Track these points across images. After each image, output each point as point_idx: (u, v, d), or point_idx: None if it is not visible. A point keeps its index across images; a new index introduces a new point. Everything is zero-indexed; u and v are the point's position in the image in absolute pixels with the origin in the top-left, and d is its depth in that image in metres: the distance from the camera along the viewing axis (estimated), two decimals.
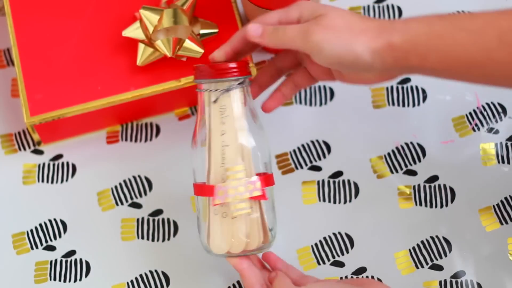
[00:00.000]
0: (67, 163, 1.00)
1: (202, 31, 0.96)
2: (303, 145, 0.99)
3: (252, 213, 0.85)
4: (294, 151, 0.99)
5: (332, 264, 0.94)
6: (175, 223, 0.97)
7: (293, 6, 0.84)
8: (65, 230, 0.97)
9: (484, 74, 0.78)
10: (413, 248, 0.94)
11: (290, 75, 0.91)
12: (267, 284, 0.85)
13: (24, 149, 1.01)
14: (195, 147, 0.87)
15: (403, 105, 1.00)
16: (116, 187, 0.98)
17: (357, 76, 0.84)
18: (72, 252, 0.96)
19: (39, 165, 1.00)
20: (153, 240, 0.96)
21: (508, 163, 0.97)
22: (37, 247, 0.97)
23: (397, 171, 0.98)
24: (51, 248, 0.97)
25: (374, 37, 0.79)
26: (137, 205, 0.98)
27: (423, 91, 1.01)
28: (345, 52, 0.79)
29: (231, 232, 0.84)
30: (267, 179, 0.85)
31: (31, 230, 0.97)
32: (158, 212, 0.97)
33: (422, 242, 0.94)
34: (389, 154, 0.98)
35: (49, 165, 1.00)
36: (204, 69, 0.85)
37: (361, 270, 0.94)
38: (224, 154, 0.84)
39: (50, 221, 0.98)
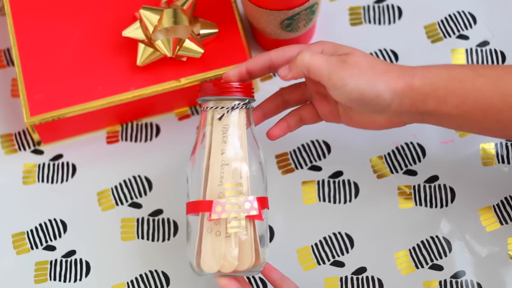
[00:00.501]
0: (67, 163, 1.00)
1: (202, 31, 0.96)
2: (303, 145, 0.99)
3: (247, 233, 0.84)
4: (294, 151, 0.99)
5: (332, 264, 0.94)
6: (175, 223, 0.97)
7: (316, 43, 0.87)
8: (65, 230, 0.97)
9: (499, 120, 0.81)
10: (413, 248, 0.94)
11: (297, 109, 0.92)
12: None
13: (24, 149, 1.01)
14: (193, 165, 0.87)
15: None
16: (116, 187, 0.98)
17: (366, 119, 0.87)
18: (72, 252, 0.96)
19: (39, 165, 1.00)
20: (153, 240, 0.96)
21: (508, 163, 0.97)
22: (37, 247, 0.97)
23: (397, 171, 0.97)
24: (51, 248, 0.97)
25: (395, 77, 0.81)
26: (137, 205, 0.98)
27: None
28: (367, 90, 0.81)
29: (223, 252, 0.84)
30: (263, 200, 0.86)
31: (31, 230, 0.97)
32: (158, 212, 0.97)
33: (422, 242, 0.94)
34: (389, 154, 0.98)
35: (49, 165, 1.00)
36: (209, 87, 0.86)
37: (361, 270, 0.94)
38: (223, 173, 0.85)
39: (50, 221, 0.97)
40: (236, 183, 0.84)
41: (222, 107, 0.85)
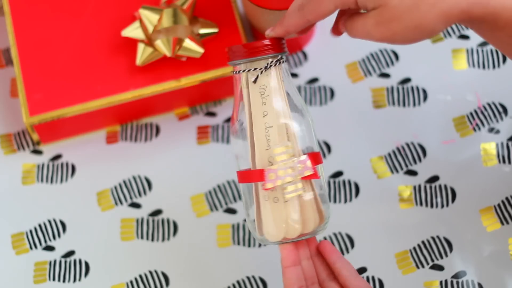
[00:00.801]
0: (67, 163, 1.00)
1: (202, 31, 0.96)
2: None
3: (305, 194, 0.80)
4: None
5: None
6: (174, 223, 0.96)
7: None
8: (64, 230, 0.97)
9: None
10: (414, 248, 0.94)
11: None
12: (310, 282, 0.82)
13: (24, 149, 1.01)
14: (235, 134, 0.83)
15: (404, 105, 1.00)
16: (115, 187, 0.98)
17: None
18: (71, 252, 0.96)
19: (38, 165, 1.00)
20: (152, 240, 0.96)
21: (509, 163, 0.97)
22: (36, 248, 0.96)
23: (397, 171, 0.97)
24: (50, 249, 0.96)
25: (449, 7, 0.74)
26: (136, 205, 0.98)
27: (424, 91, 1.00)
28: (417, 35, 0.75)
29: (284, 218, 0.80)
30: (316, 157, 0.81)
31: (30, 231, 0.97)
32: (158, 212, 0.97)
33: (422, 242, 0.94)
34: (389, 154, 0.98)
35: (48, 165, 1.00)
36: (239, 49, 0.81)
37: (361, 270, 0.93)
38: (269, 136, 0.80)
39: (49, 221, 0.97)
40: (284, 145, 0.80)
41: (255, 69, 0.81)
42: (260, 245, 0.95)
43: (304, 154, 0.81)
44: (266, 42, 0.81)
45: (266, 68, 0.81)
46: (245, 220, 0.95)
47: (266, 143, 0.80)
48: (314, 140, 0.83)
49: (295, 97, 0.83)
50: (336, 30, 0.84)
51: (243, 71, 0.81)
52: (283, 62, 0.82)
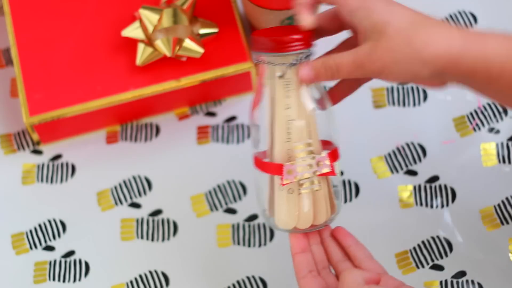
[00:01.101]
0: (67, 163, 0.99)
1: (202, 31, 0.96)
2: None
3: (320, 189, 0.80)
4: None
5: None
6: (174, 223, 0.96)
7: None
8: (64, 230, 0.97)
9: None
10: (414, 248, 0.94)
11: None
12: (320, 270, 0.81)
13: (24, 149, 1.01)
14: (254, 122, 0.82)
15: (404, 105, 1.00)
16: (115, 187, 0.98)
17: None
18: (71, 252, 0.96)
19: (38, 165, 1.00)
20: (152, 240, 0.96)
21: (509, 163, 0.97)
22: (36, 248, 0.96)
23: (397, 171, 0.97)
24: (50, 248, 0.96)
25: (438, 54, 0.72)
26: (136, 205, 0.98)
27: (424, 91, 1.00)
28: (407, 76, 0.74)
29: (297, 209, 0.80)
30: (334, 153, 0.81)
31: (30, 231, 0.97)
32: (158, 212, 0.97)
33: (422, 242, 0.94)
34: (389, 154, 0.98)
35: (48, 165, 1.00)
36: (267, 42, 0.78)
37: None
38: (290, 129, 0.79)
39: (49, 221, 0.97)
40: (305, 142, 0.79)
41: (283, 64, 0.78)
42: (260, 245, 0.95)
43: (324, 150, 0.80)
44: (298, 37, 0.78)
45: (293, 64, 0.79)
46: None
47: (287, 136, 0.79)
48: (334, 131, 0.82)
49: (318, 88, 0.81)
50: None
51: (269, 63, 0.79)
52: (311, 57, 0.80)
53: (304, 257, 0.81)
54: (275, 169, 0.79)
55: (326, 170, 0.80)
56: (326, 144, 0.82)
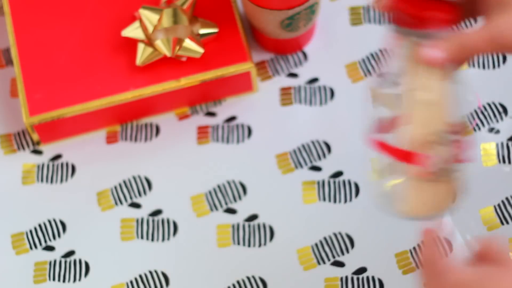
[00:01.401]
0: (67, 163, 1.00)
1: (202, 31, 0.96)
2: (303, 145, 0.99)
3: (458, 177, 0.76)
4: (294, 151, 0.99)
5: (332, 264, 0.94)
6: (174, 223, 0.96)
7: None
8: (64, 230, 0.97)
9: None
10: (414, 248, 0.94)
11: None
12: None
13: (23, 149, 1.01)
14: (379, 99, 0.77)
15: None
16: (115, 187, 0.98)
17: None
18: (71, 252, 0.96)
19: (38, 165, 1.00)
20: (152, 240, 0.96)
21: (509, 163, 0.97)
22: (36, 248, 0.96)
23: None
24: (50, 249, 0.96)
25: None
26: (136, 205, 0.98)
27: None
28: None
29: (429, 197, 0.76)
30: (471, 141, 0.76)
31: (30, 231, 0.97)
32: (158, 212, 0.97)
33: (422, 242, 0.94)
34: None
35: (48, 165, 1.00)
36: (407, 16, 0.73)
37: (361, 270, 0.93)
38: (425, 114, 0.74)
39: (49, 221, 0.97)
40: (443, 127, 0.74)
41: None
42: (260, 245, 0.95)
43: (462, 138, 0.75)
44: (443, 15, 0.73)
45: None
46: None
47: (422, 121, 0.74)
48: (464, 112, 0.78)
49: (453, 69, 0.76)
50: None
51: (411, 40, 0.74)
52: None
53: (435, 245, 0.77)
54: (407, 157, 0.73)
55: (462, 157, 0.75)
56: (457, 127, 0.76)
